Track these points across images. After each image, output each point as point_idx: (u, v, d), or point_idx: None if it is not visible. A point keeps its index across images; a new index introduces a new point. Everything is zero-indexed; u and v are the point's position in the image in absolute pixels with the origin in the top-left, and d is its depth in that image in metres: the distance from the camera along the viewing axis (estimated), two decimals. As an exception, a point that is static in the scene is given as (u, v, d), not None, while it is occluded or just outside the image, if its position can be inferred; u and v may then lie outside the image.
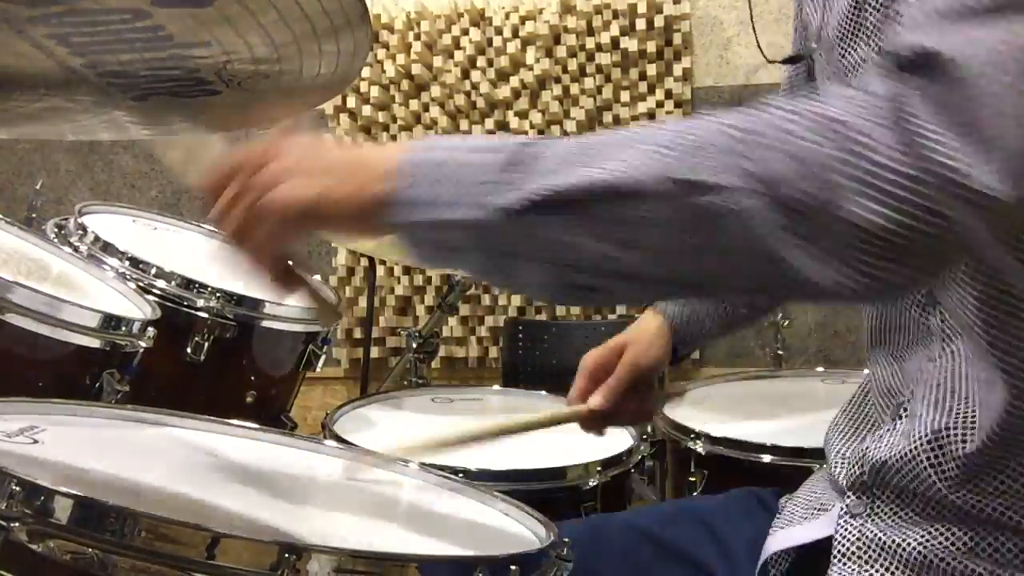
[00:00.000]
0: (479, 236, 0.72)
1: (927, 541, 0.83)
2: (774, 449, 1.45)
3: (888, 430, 0.87)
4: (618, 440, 1.59)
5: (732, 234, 0.67)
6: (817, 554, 0.90)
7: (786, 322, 2.23)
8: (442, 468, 1.09)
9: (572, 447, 1.57)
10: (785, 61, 1.07)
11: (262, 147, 0.80)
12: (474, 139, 0.78)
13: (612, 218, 0.69)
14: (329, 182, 0.76)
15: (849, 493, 0.89)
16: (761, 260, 0.67)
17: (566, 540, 0.86)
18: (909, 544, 0.84)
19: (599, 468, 1.45)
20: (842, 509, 0.89)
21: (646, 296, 0.75)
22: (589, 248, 0.70)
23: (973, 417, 0.80)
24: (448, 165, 0.73)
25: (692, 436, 1.52)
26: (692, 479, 1.51)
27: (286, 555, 0.67)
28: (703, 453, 1.50)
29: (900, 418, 0.86)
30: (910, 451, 0.83)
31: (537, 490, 1.38)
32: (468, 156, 0.74)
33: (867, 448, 0.88)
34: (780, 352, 2.21)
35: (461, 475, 1.06)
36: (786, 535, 0.95)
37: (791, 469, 1.39)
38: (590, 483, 1.43)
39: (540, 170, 0.71)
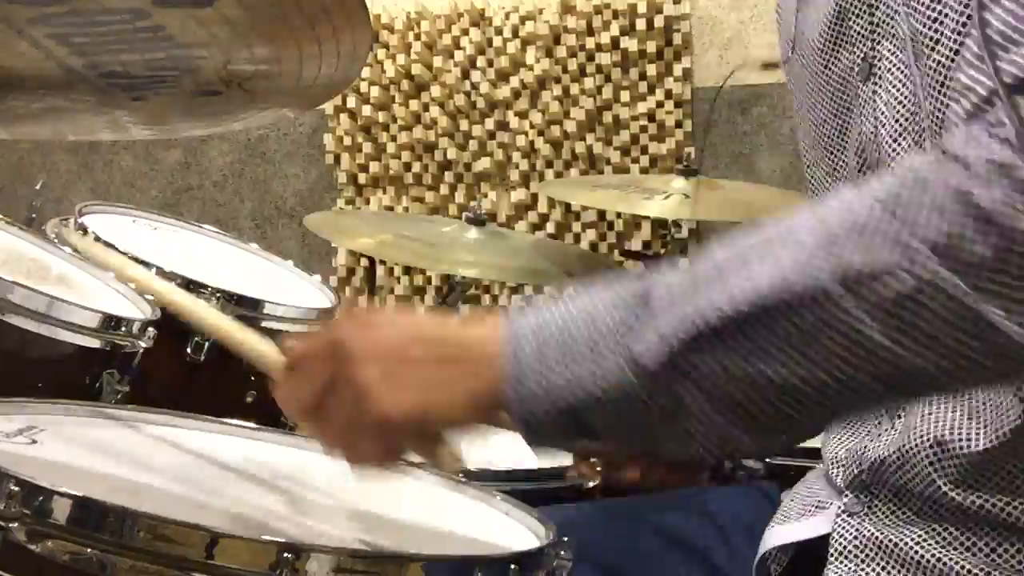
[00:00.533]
0: (619, 400, 0.63)
1: (924, 540, 0.83)
2: (774, 449, 1.45)
3: (887, 429, 0.87)
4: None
5: (923, 313, 0.61)
6: (815, 551, 0.90)
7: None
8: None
9: (572, 447, 1.57)
10: (766, 66, 1.05)
11: (333, 333, 0.72)
12: (578, 295, 0.66)
13: (797, 326, 0.61)
14: (429, 383, 0.67)
15: (847, 492, 0.89)
16: (966, 326, 0.61)
17: (565, 539, 0.86)
18: (906, 543, 0.83)
19: (599, 468, 1.45)
20: (840, 508, 0.89)
21: (834, 412, 0.69)
22: (769, 371, 0.62)
23: (979, 417, 0.80)
24: (553, 326, 0.64)
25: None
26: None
27: (285, 555, 0.67)
28: (703, 453, 1.50)
29: (899, 417, 0.86)
30: (910, 450, 0.83)
31: (537, 490, 1.38)
32: (572, 310, 0.65)
33: (865, 447, 0.88)
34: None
35: (461, 475, 1.06)
36: (784, 531, 0.95)
37: (791, 468, 1.39)
38: (590, 483, 1.43)
39: (688, 293, 0.63)
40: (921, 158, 0.65)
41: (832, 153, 0.93)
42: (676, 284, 0.64)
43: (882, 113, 0.85)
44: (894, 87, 0.84)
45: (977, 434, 0.80)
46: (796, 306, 0.61)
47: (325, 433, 0.74)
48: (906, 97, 0.82)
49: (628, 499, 1.29)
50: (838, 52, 0.90)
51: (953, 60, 0.73)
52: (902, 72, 0.83)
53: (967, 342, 0.61)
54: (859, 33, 0.88)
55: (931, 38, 0.76)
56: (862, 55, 0.87)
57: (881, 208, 0.62)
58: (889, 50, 0.84)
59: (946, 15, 0.75)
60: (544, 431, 0.66)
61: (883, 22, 0.85)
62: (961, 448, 0.80)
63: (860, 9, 0.86)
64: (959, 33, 0.73)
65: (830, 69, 0.91)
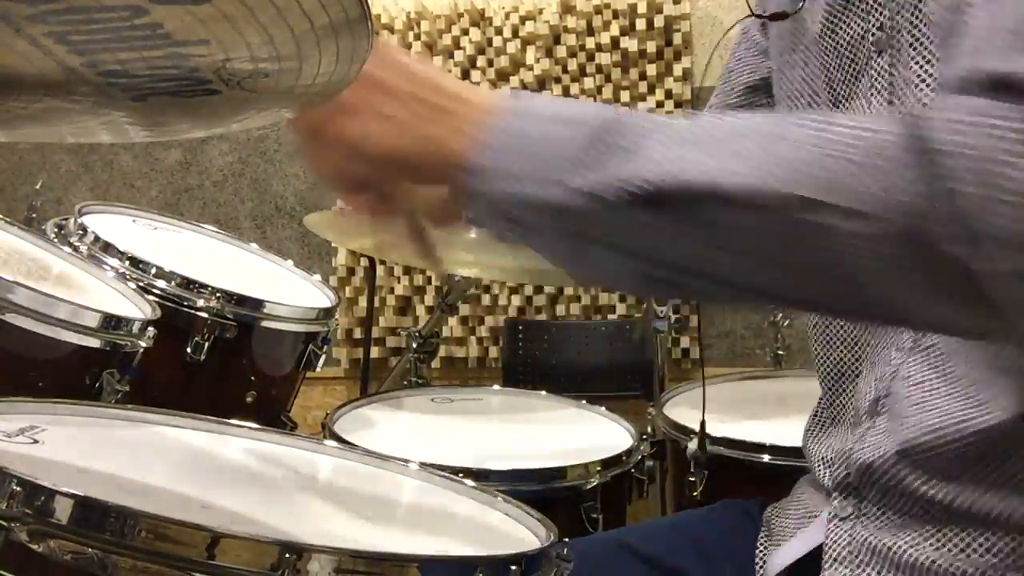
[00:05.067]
0: (555, 217, 0.66)
1: (917, 543, 0.82)
2: (774, 449, 1.46)
3: (868, 428, 0.86)
4: (618, 440, 1.59)
5: (836, 259, 0.61)
6: (812, 560, 0.89)
7: (786, 322, 2.22)
8: (442, 468, 1.09)
9: (572, 447, 1.58)
10: (772, 17, 0.98)
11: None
12: (563, 105, 0.69)
13: (712, 222, 0.63)
14: (408, 121, 0.70)
15: (836, 494, 0.88)
16: (850, 285, 0.63)
17: (566, 540, 0.86)
18: (899, 546, 0.83)
19: (599, 468, 1.45)
20: (830, 513, 0.88)
21: (721, 298, 0.71)
22: (677, 246, 0.65)
23: (965, 417, 0.79)
24: (530, 135, 0.67)
25: (692, 436, 1.52)
26: (692, 479, 1.51)
27: (286, 555, 0.67)
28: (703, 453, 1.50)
29: (878, 414, 0.85)
30: (897, 451, 0.82)
31: (537, 490, 1.38)
32: (552, 127, 0.67)
33: (850, 448, 0.87)
34: (780, 352, 2.21)
35: (461, 475, 1.06)
36: (784, 552, 0.94)
37: (791, 469, 1.39)
38: (590, 483, 1.43)
39: (634, 153, 0.64)
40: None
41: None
42: (645, 135, 0.65)
43: (900, 90, 0.83)
44: (916, 64, 0.81)
45: (967, 433, 0.79)
46: (738, 205, 0.62)
47: (315, 153, 0.75)
48: (928, 74, 0.80)
49: (614, 531, 1.28)
50: (848, 16, 0.88)
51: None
52: (924, 49, 0.81)
53: (848, 293, 0.63)
54: (872, 2, 0.85)
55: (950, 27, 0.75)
56: (878, 24, 0.85)
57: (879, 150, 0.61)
58: (909, 24, 0.82)
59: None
60: (490, 211, 0.69)
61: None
62: (948, 448, 0.80)
63: None
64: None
65: (836, 34, 0.89)
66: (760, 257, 0.64)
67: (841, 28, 0.89)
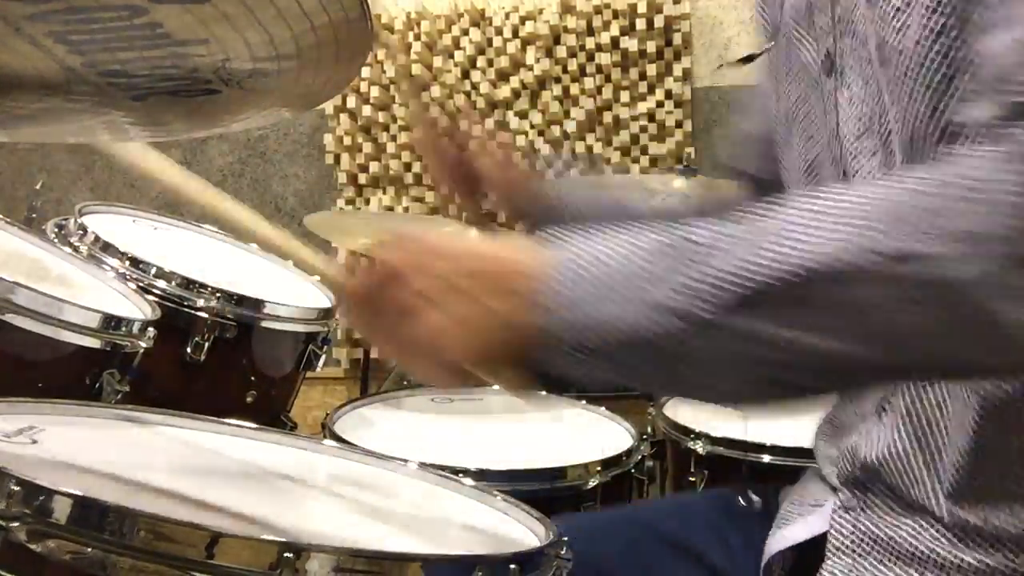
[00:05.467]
0: (645, 342, 0.64)
1: (919, 533, 0.83)
2: (774, 449, 1.46)
3: (874, 424, 0.87)
4: (618, 440, 1.59)
5: (953, 305, 0.61)
6: (814, 547, 0.90)
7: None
8: (442, 468, 1.09)
9: (572, 447, 1.57)
10: (744, 60, 1.03)
11: (391, 252, 0.74)
12: (615, 234, 0.68)
13: (819, 303, 0.62)
14: (483, 319, 0.69)
15: (843, 489, 0.89)
16: (987, 329, 0.61)
17: (565, 539, 0.86)
18: (902, 536, 0.84)
19: (599, 468, 1.45)
20: (836, 504, 0.89)
21: (860, 384, 0.71)
22: (784, 343, 0.62)
23: (966, 412, 0.80)
24: (601, 269, 0.66)
25: (692, 436, 1.52)
26: (692, 479, 1.51)
27: (286, 554, 0.67)
28: (703, 453, 1.50)
29: (884, 411, 0.86)
30: (902, 447, 0.83)
31: (537, 490, 1.38)
32: (617, 255, 0.66)
33: (857, 444, 0.88)
34: (780, 352, 2.20)
35: (461, 475, 1.06)
36: (784, 534, 0.95)
37: (791, 469, 1.39)
38: (590, 483, 1.43)
39: (709, 259, 0.63)
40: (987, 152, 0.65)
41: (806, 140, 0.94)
42: (717, 239, 0.65)
43: (843, 109, 0.86)
44: (856, 83, 0.85)
45: (969, 428, 0.79)
46: (848, 279, 0.61)
47: (392, 354, 0.77)
48: (869, 95, 0.83)
49: (625, 508, 1.29)
50: (803, 44, 0.92)
51: (922, 68, 0.74)
52: (863, 69, 0.84)
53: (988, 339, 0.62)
54: (822, 28, 0.89)
55: (895, 48, 0.77)
56: (825, 50, 0.88)
57: (955, 194, 0.62)
58: (850, 47, 0.85)
59: (909, 26, 0.75)
60: (574, 361, 0.67)
61: (842, 18, 0.86)
62: (951, 443, 0.80)
63: (823, 3, 0.87)
64: (925, 44, 0.73)
65: (797, 59, 0.93)
66: (885, 331, 0.63)
67: (795, 57, 0.93)
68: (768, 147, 1.04)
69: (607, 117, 2.94)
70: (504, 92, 2.98)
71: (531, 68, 2.96)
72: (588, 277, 0.67)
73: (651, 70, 2.92)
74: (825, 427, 0.99)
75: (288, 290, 1.88)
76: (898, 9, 0.76)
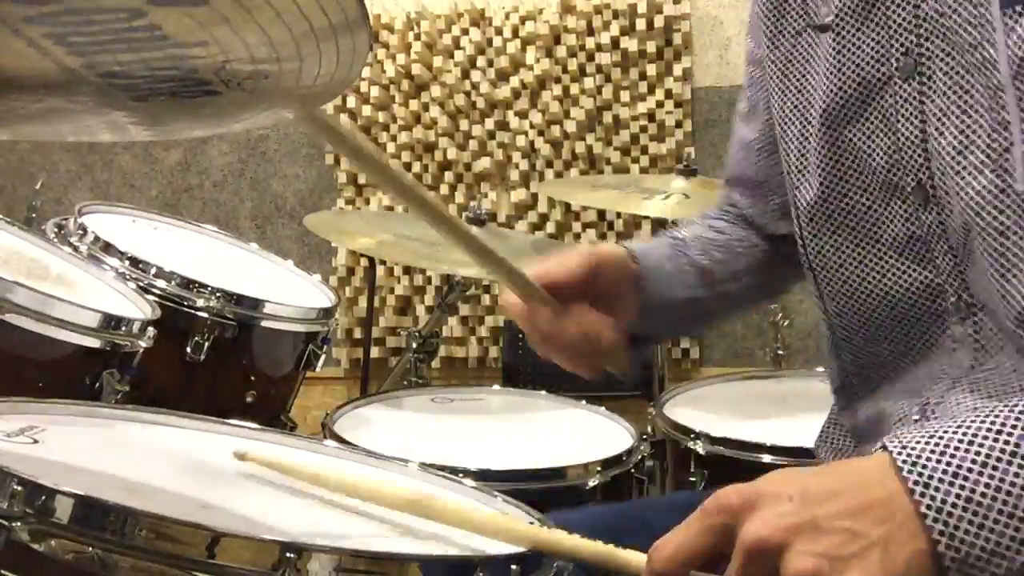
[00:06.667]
0: None
1: None
2: (774, 449, 1.46)
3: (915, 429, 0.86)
4: (618, 440, 1.59)
5: None
6: None
7: (786, 322, 2.23)
8: (442, 468, 1.09)
9: (572, 447, 1.58)
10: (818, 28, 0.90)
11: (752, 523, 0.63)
12: (965, 432, 0.61)
13: None
14: (871, 560, 0.58)
15: None
16: None
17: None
18: None
19: (599, 468, 1.45)
20: None
21: None
22: None
23: None
24: (992, 495, 0.58)
25: (692, 436, 1.53)
26: (692, 479, 1.51)
27: (287, 554, 0.67)
28: (703, 453, 1.50)
29: (926, 419, 0.85)
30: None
31: (537, 490, 1.38)
32: (994, 470, 0.59)
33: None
34: (780, 352, 2.21)
35: (461, 475, 1.06)
36: None
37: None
38: (590, 483, 1.43)
39: None
40: None
41: (833, 145, 0.88)
42: None
43: (937, 119, 0.80)
44: (953, 92, 0.78)
45: None
46: None
47: None
48: (969, 106, 0.77)
49: (626, 503, 1.28)
50: (861, 37, 0.84)
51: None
52: (960, 78, 0.77)
53: None
54: (899, 23, 0.82)
55: (990, 60, 0.73)
56: (903, 49, 0.82)
57: None
58: (941, 52, 0.79)
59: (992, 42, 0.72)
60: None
61: (930, 18, 0.79)
62: None
63: None
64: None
65: (844, 55, 0.85)
66: None
67: (851, 49, 0.85)
68: (769, 150, 1.03)
69: (607, 117, 2.94)
70: (504, 92, 2.98)
71: (531, 68, 2.96)
72: (964, 497, 0.59)
73: (651, 70, 2.92)
74: (827, 436, 0.98)
75: (288, 290, 1.88)
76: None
